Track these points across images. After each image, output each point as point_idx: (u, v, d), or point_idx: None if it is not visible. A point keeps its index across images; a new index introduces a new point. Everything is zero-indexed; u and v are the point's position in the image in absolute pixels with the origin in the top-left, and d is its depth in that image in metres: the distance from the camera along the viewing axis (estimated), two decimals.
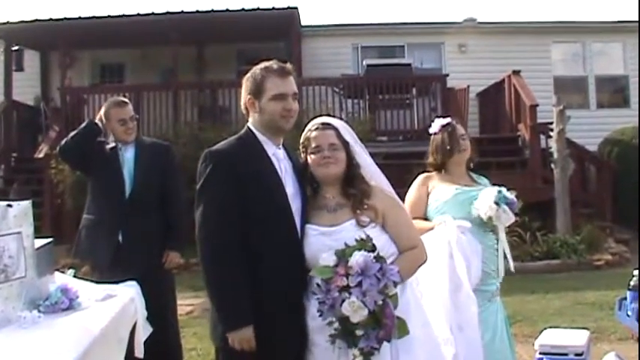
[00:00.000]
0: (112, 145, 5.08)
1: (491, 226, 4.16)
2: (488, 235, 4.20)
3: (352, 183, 3.22)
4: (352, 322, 2.79)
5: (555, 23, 17.46)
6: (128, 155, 5.06)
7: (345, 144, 3.26)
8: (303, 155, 3.29)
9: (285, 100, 3.20)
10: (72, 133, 5.11)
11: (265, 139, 3.24)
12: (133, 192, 4.98)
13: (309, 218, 3.21)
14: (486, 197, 4.08)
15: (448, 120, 4.40)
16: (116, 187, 4.99)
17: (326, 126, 3.28)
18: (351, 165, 3.25)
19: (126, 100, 5.25)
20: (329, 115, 3.55)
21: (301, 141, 3.29)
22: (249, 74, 3.29)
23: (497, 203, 4.03)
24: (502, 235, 4.20)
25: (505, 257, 4.24)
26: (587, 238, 11.74)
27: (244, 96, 3.28)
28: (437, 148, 4.34)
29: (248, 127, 3.29)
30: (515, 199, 4.13)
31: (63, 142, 5.12)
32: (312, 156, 3.22)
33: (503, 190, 4.14)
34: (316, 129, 3.27)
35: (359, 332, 2.82)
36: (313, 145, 3.22)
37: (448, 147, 4.28)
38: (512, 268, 4.29)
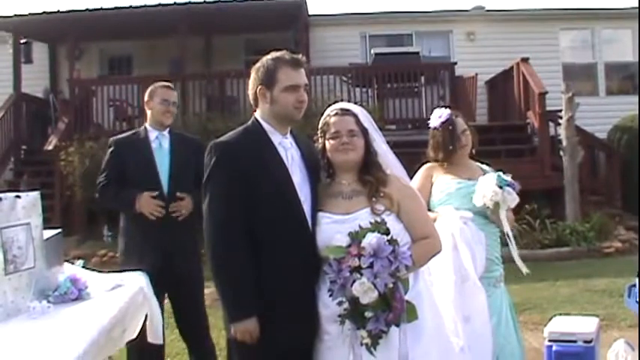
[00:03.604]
0: (143, 134, 4.90)
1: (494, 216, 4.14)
2: (490, 223, 4.18)
3: (369, 170, 3.20)
4: (362, 304, 2.80)
5: (564, 10, 17.32)
6: (165, 146, 4.89)
7: (364, 131, 3.23)
8: (320, 140, 3.27)
9: (297, 92, 3.18)
10: (111, 202, 4.96)
11: (272, 129, 3.22)
12: (170, 186, 4.78)
13: (322, 206, 3.19)
14: (487, 184, 4.05)
15: (447, 114, 4.28)
16: (154, 181, 4.77)
17: (345, 112, 3.26)
18: (369, 152, 3.23)
19: (173, 86, 5.10)
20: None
21: (320, 126, 3.27)
22: (259, 64, 3.26)
23: (500, 187, 4.02)
24: (503, 215, 4.11)
25: (510, 241, 4.22)
26: (596, 226, 11.72)
27: (254, 86, 3.25)
28: (438, 145, 4.26)
29: (255, 118, 3.28)
30: (514, 182, 4.11)
31: (101, 197, 4.93)
32: (331, 141, 3.20)
33: (501, 173, 4.12)
34: (335, 114, 3.24)
35: (368, 314, 2.83)
36: (332, 130, 3.20)
37: (450, 147, 4.22)
38: (523, 270, 4.30)
